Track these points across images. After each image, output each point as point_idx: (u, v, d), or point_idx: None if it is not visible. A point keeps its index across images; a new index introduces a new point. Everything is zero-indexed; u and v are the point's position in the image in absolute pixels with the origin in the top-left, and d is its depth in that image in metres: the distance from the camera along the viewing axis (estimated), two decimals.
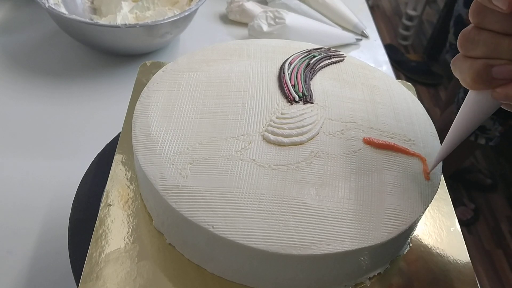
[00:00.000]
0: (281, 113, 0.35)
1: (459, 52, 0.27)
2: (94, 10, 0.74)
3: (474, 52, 0.25)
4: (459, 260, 0.34)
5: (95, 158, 0.46)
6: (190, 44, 0.76)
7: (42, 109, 0.61)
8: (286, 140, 0.33)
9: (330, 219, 0.29)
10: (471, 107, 0.28)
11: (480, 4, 0.25)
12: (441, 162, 0.35)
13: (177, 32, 0.70)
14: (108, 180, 0.36)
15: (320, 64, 0.41)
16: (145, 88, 0.38)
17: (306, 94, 0.38)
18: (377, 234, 0.29)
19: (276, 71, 0.40)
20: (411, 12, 1.96)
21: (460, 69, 0.26)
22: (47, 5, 0.63)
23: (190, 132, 0.33)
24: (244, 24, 0.79)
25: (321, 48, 0.44)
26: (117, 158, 0.37)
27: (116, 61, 0.69)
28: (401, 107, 0.39)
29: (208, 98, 0.36)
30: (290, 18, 0.72)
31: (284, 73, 0.39)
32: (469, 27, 0.26)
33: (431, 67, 1.89)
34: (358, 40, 0.79)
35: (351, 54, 0.62)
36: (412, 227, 0.31)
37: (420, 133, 0.36)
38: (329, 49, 0.44)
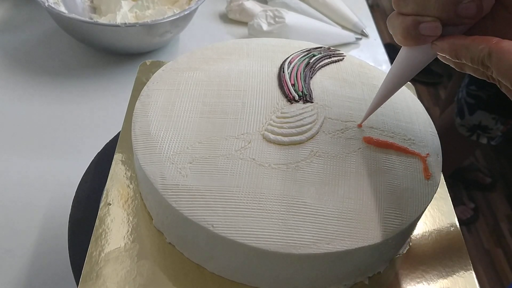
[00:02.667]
0: (281, 112, 0.35)
1: None
2: (94, 9, 0.74)
3: (405, 9, 0.27)
4: (459, 259, 0.34)
5: (95, 157, 0.46)
6: (190, 43, 0.76)
7: (42, 108, 0.61)
8: (286, 139, 0.33)
9: (330, 218, 0.29)
10: (402, 63, 0.30)
11: None
12: (441, 161, 0.35)
13: (177, 31, 0.70)
14: (108, 179, 0.36)
15: (320, 63, 0.41)
16: (144, 87, 0.37)
17: (306, 93, 0.38)
18: (377, 233, 0.29)
19: (276, 70, 0.40)
20: None
21: (393, 26, 0.28)
22: (46, 4, 0.63)
23: (190, 131, 0.33)
24: (244, 23, 0.79)
25: (321, 47, 0.44)
26: (117, 157, 0.37)
27: (116, 60, 0.69)
28: (401, 106, 0.39)
29: (208, 97, 0.36)
30: (290, 17, 0.72)
31: (284, 72, 0.39)
32: None
33: (431, 66, 1.88)
34: (358, 39, 0.79)
35: (351, 53, 0.62)
36: (412, 226, 0.31)
37: (420, 132, 0.36)
38: (328, 48, 0.44)
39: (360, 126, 0.35)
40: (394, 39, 0.28)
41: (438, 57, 0.29)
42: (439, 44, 0.27)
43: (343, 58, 0.43)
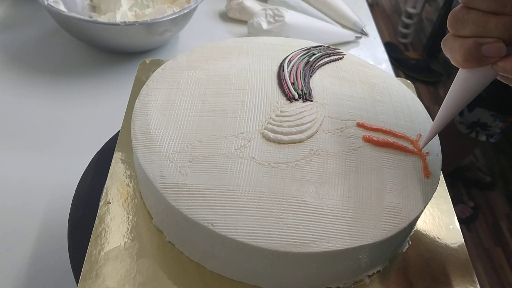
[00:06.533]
0: (281, 111, 0.35)
1: None
2: (93, 8, 0.74)
3: (463, 31, 0.26)
4: (458, 258, 0.34)
5: (94, 156, 0.46)
6: (189, 42, 0.76)
7: (42, 107, 0.61)
8: (285, 138, 0.33)
9: (330, 217, 0.29)
10: (462, 85, 0.29)
11: None
12: (441, 160, 0.35)
13: (177, 30, 0.70)
14: (107, 178, 0.36)
15: (320, 62, 0.41)
16: (144, 86, 0.37)
17: (305, 92, 0.38)
18: (376, 232, 0.29)
19: (275, 69, 0.40)
20: (411, 10, 1.96)
21: (451, 48, 0.27)
22: (46, 3, 0.62)
23: (190, 130, 0.33)
24: (244, 22, 0.79)
25: (320, 46, 0.44)
26: (117, 156, 0.37)
27: (116, 59, 0.69)
28: (401, 105, 0.39)
29: (208, 96, 0.36)
30: (290, 16, 0.72)
31: (283, 71, 0.39)
32: (458, 7, 0.26)
33: (431, 65, 1.89)
34: (357, 38, 0.79)
35: (351, 52, 0.62)
36: (411, 225, 0.31)
37: (420, 131, 0.36)
38: (328, 47, 0.44)
39: (422, 153, 0.34)
40: (452, 62, 0.27)
41: (498, 77, 0.28)
42: (502, 64, 0.26)
43: (343, 57, 0.43)
